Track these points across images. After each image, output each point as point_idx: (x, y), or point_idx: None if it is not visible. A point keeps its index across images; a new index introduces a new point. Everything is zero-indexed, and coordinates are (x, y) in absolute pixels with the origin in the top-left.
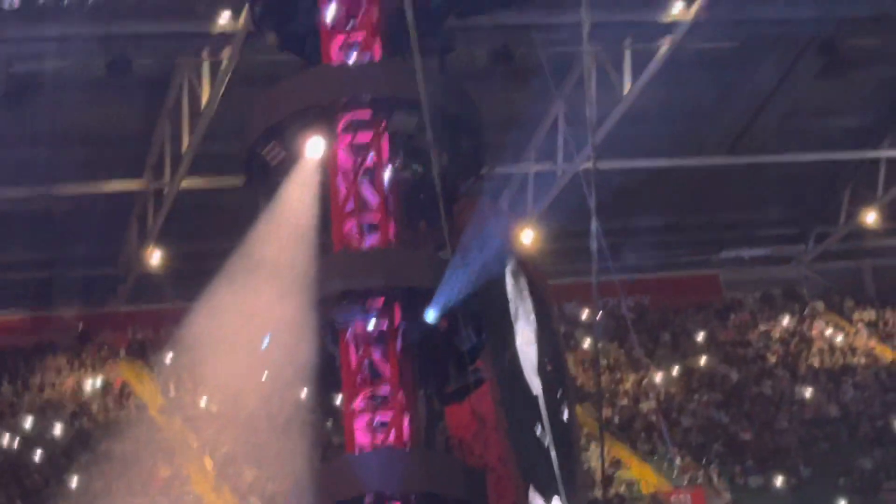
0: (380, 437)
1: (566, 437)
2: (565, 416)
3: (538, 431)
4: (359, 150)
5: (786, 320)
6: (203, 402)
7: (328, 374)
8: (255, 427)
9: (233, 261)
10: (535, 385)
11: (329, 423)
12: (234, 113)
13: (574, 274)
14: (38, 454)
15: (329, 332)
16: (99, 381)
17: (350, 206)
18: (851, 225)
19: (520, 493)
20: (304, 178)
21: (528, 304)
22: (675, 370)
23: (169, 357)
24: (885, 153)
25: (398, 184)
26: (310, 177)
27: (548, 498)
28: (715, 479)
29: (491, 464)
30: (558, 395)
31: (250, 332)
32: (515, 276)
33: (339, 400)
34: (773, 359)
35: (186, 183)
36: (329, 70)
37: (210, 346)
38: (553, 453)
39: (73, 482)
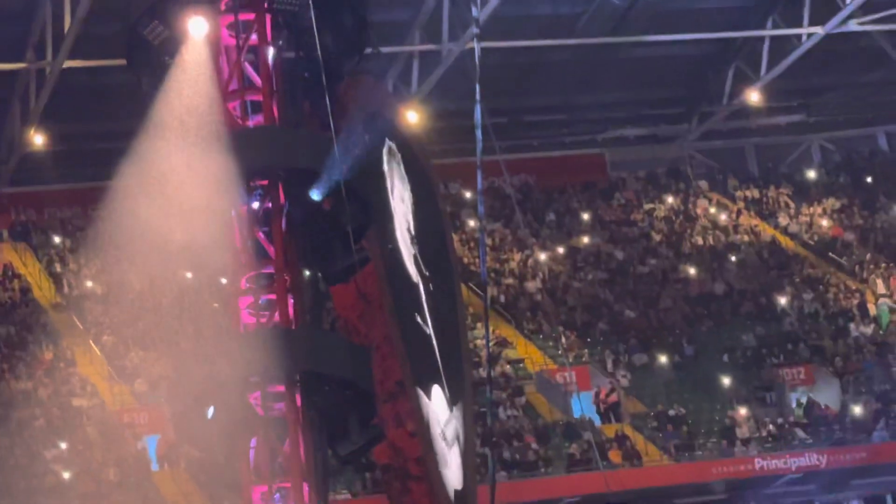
0: (265, 316)
1: (450, 320)
2: (449, 298)
3: (418, 319)
4: (242, 29)
5: (670, 199)
6: (89, 284)
7: (215, 256)
8: (141, 309)
9: (120, 142)
10: (413, 272)
11: (216, 305)
12: None
13: (459, 154)
14: None
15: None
16: None
17: (234, 85)
18: (735, 104)
19: (405, 372)
20: (190, 58)
21: (407, 184)
22: (561, 249)
23: (54, 239)
24: (769, 32)
25: (282, 63)
26: (195, 56)
27: (426, 387)
28: (610, 365)
29: (377, 343)
30: (443, 277)
31: (138, 215)
32: (394, 154)
33: (224, 280)
34: (657, 237)
35: (69, 63)
36: None
37: (96, 227)
38: (434, 341)
39: None
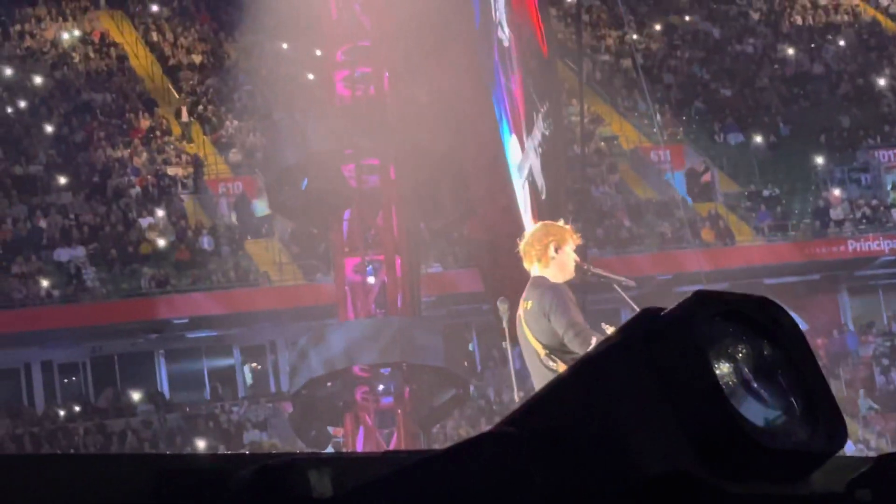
0: (360, 90)
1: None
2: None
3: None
4: None
5: None
6: (185, 53)
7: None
8: (237, 79)
9: None
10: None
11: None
12: None
13: None
14: (18, 104)
15: None
16: (78, 32)
17: None
18: None
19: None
20: None
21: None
22: (658, 27)
23: (152, 7)
24: None
25: None
26: None
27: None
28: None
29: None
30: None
31: None
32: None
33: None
34: (756, 16)
35: None
36: None
37: None
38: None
39: (53, 132)
